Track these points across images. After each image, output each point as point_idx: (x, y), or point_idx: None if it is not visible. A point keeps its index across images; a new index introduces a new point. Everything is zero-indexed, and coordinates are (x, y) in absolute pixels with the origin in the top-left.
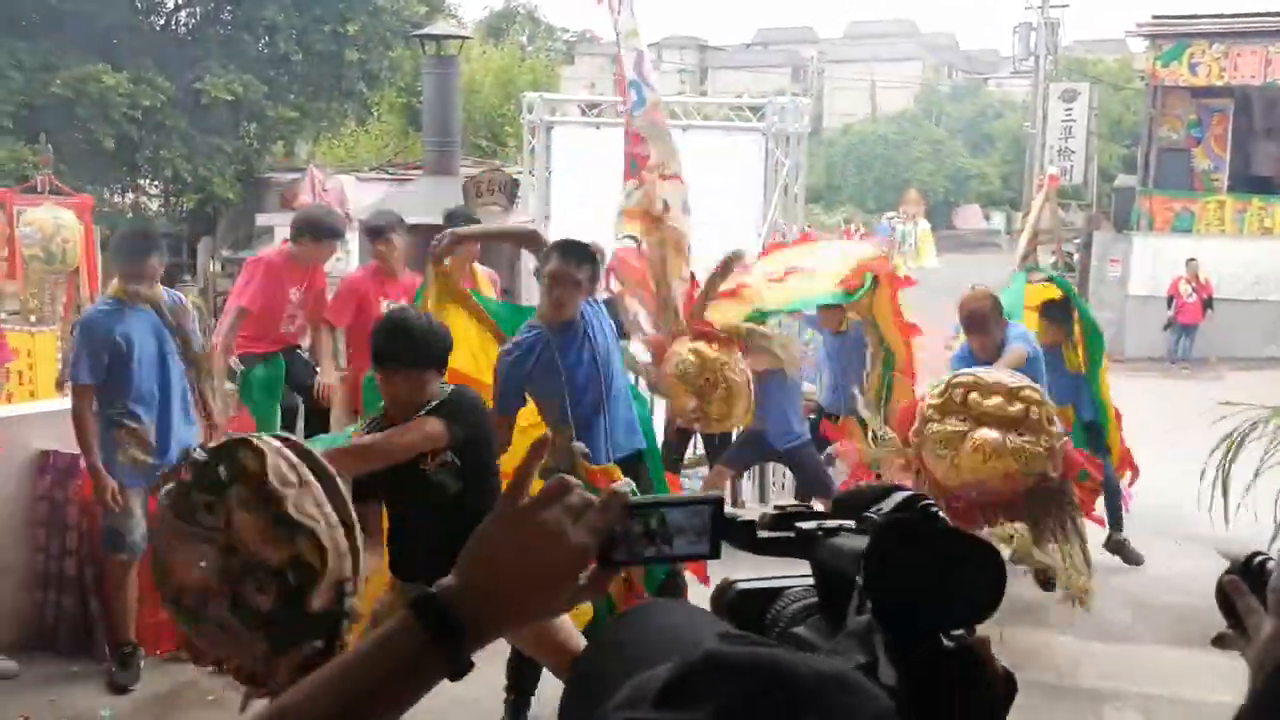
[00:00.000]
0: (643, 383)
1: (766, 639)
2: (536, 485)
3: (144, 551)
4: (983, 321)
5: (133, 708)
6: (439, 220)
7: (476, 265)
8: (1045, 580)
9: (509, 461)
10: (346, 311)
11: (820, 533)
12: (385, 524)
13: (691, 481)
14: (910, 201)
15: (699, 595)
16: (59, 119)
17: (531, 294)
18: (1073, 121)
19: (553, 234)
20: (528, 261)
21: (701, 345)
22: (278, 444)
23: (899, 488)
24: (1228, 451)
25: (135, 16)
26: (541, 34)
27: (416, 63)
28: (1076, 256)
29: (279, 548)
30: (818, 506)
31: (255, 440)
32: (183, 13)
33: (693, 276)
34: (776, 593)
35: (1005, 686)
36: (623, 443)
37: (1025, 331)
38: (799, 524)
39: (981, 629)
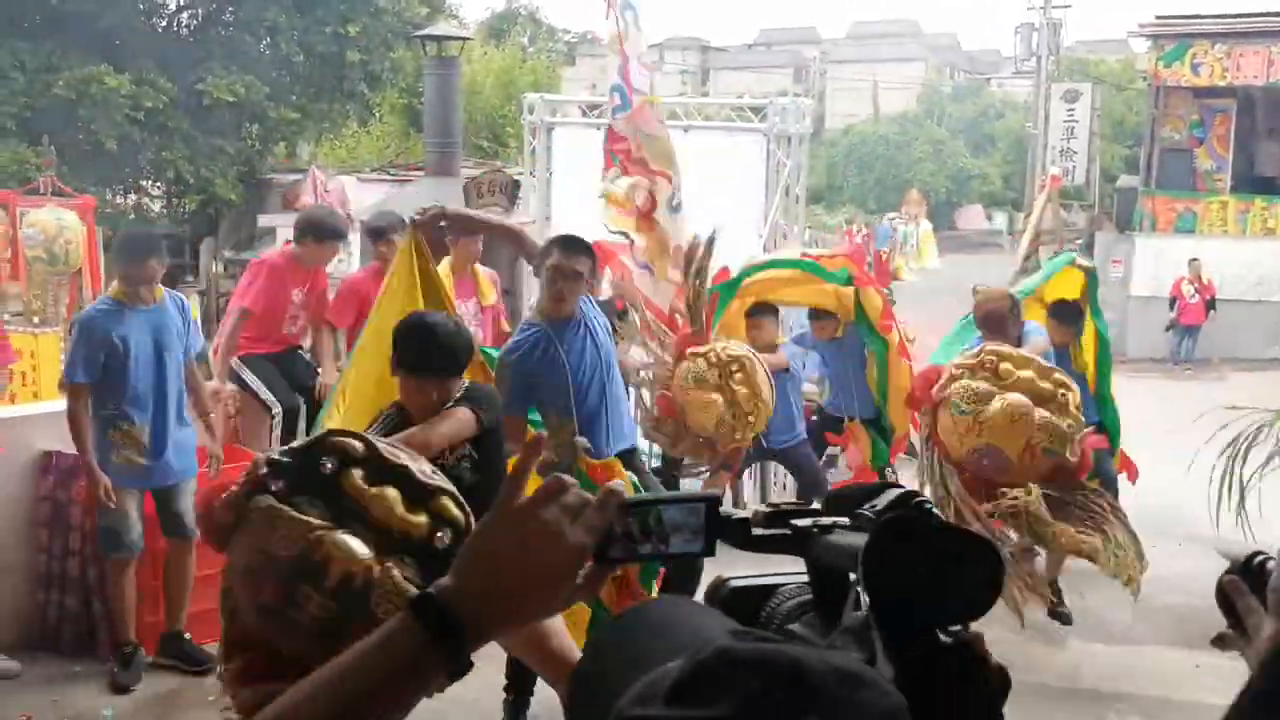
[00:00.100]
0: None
1: (776, 635)
2: (534, 483)
3: (141, 551)
4: (1000, 322)
5: (134, 708)
6: None
7: (478, 265)
8: (1056, 611)
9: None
10: (348, 312)
11: (815, 530)
12: None
13: (692, 482)
14: (912, 202)
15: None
16: (61, 120)
17: (532, 294)
18: (1075, 122)
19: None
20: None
21: (697, 348)
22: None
23: (892, 485)
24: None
25: (137, 18)
26: (543, 35)
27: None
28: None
29: (418, 513)
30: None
31: (341, 431)
32: (185, 14)
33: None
34: (770, 590)
35: (1000, 681)
36: (627, 433)
37: (1039, 326)
38: (794, 521)
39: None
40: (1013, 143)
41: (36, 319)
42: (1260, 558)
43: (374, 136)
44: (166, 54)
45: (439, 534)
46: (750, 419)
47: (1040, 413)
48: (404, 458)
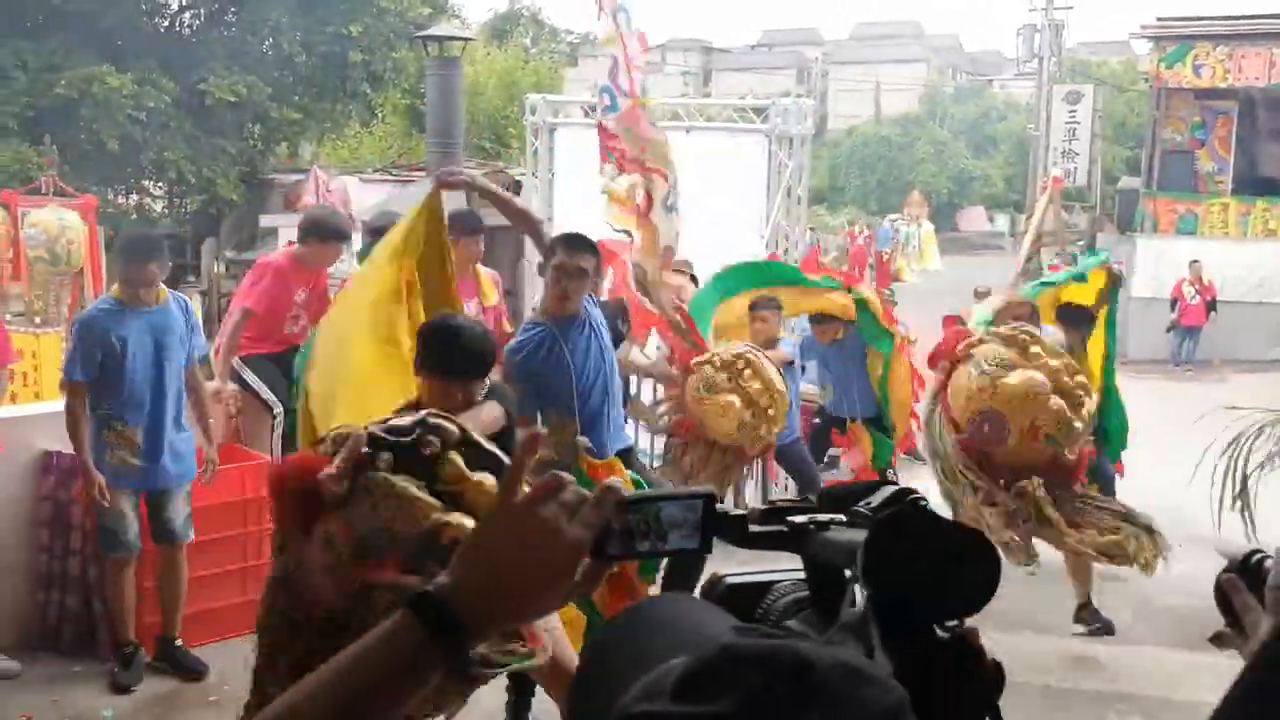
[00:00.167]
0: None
1: (779, 632)
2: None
3: (139, 551)
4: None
5: (134, 708)
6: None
7: (479, 266)
8: (1096, 630)
9: None
10: None
11: (812, 526)
12: None
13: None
14: (914, 203)
15: None
16: (63, 120)
17: (534, 294)
18: (1077, 123)
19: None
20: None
21: (698, 358)
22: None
23: (887, 482)
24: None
25: (139, 18)
26: (545, 36)
27: (420, 64)
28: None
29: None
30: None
31: (436, 413)
32: (187, 14)
33: (693, 278)
34: (765, 587)
35: (996, 676)
36: (621, 436)
37: (1054, 330)
38: (790, 518)
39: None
40: (1014, 144)
41: (38, 319)
42: (1258, 556)
43: (376, 137)
44: (169, 54)
45: None
46: (770, 412)
47: (1055, 400)
48: (493, 446)
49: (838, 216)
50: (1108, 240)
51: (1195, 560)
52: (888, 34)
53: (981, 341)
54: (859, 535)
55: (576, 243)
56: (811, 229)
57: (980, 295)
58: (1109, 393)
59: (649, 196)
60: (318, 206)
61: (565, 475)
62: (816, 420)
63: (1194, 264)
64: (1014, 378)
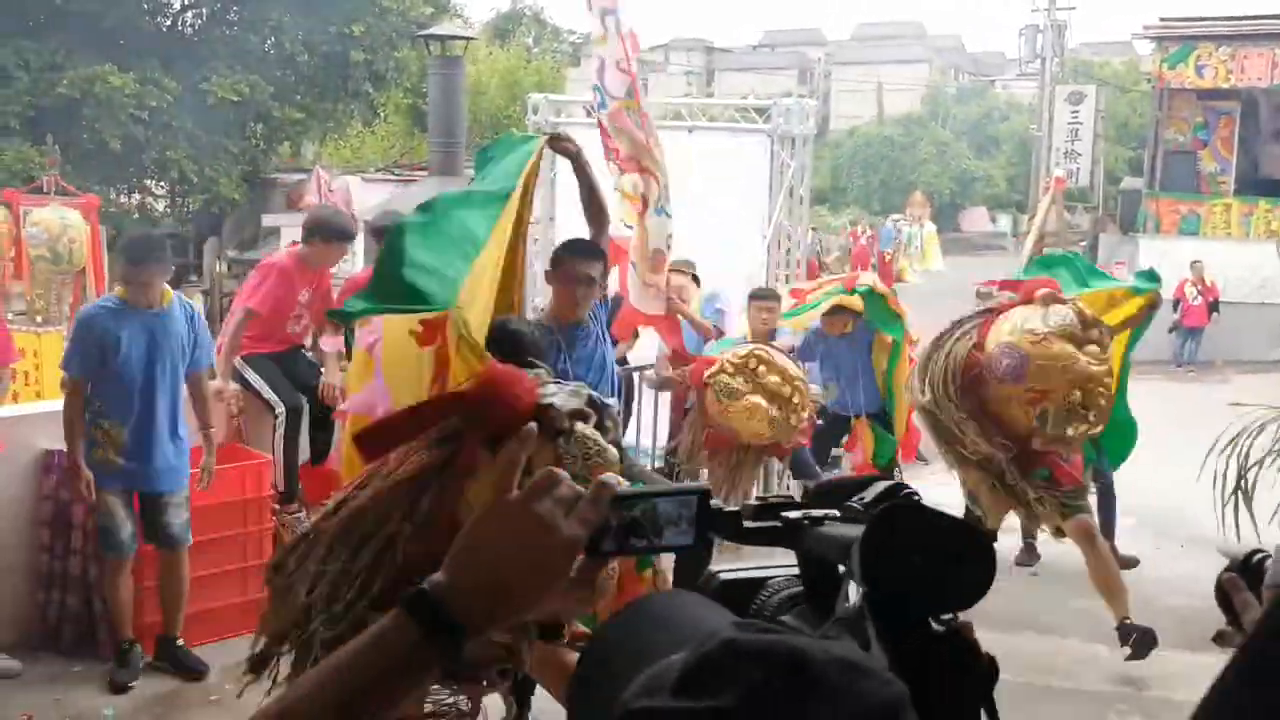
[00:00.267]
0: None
1: (779, 626)
2: None
3: (135, 550)
4: None
5: (134, 707)
6: None
7: None
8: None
9: None
10: None
11: (806, 522)
12: None
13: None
14: (916, 204)
15: None
16: (65, 119)
17: (535, 294)
18: (1079, 124)
19: (557, 236)
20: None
21: (708, 369)
22: None
23: (879, 478)
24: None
25: (142, 17)
26: (547, 36)
27: (423, 64)
28: None
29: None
30: None
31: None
32: (189, 14)
33: (695, 278)
34: (760, 582)
35: (990, 670)
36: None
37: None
38: (785, 514)
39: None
40: (1017, 145)
41: (40, 318)
42: (1259, 555)
43: (378, 136)
44: (171, 53)
45: None
46: (794, 400)
47: (1076, 395)
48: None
49: (840, 217)
50: (1110, 241)
51: (1197, 561)
52: (890, 34)
53: (1031, 317)
54: (853, 530)
55: (584, 250)
56: (814, 229)
57: (981, 295)
58: (1117, 405)
59: (644, 199)
60: (321, 206)
61: (560, 471)
62: (819, 421)
63: (1196, 265)
64: (1055, 359)
